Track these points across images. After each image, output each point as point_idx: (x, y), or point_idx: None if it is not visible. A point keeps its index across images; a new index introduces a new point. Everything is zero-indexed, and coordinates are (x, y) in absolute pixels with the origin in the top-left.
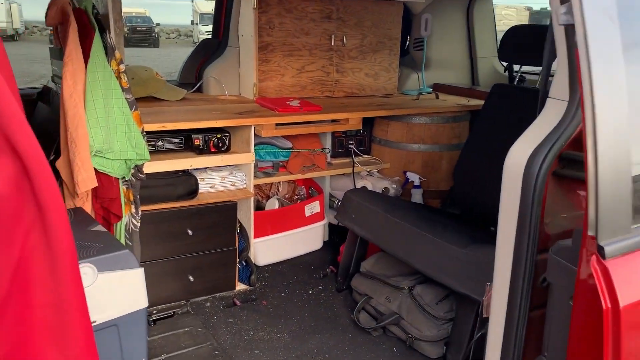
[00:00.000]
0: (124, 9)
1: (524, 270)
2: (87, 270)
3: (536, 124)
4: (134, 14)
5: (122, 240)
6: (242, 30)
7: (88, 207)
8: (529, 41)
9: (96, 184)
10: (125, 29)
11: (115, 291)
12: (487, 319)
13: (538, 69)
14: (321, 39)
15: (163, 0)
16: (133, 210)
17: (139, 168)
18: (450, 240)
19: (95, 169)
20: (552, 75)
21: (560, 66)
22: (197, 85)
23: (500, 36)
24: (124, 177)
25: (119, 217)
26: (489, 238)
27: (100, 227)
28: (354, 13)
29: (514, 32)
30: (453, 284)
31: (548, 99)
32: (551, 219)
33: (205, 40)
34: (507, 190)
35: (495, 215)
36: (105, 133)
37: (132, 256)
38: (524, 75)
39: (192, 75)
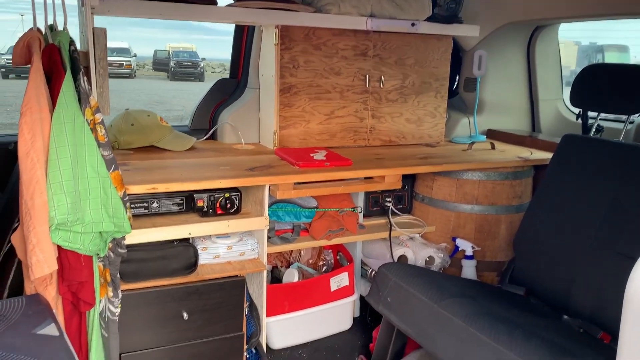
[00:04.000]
0: (172, 45)
1: None
2: None
3: None
4: (181, 49)
5: (96, 332)
6: (263, 70)
7: (52, 292)
8: (611, 84)
9: (55, 268)
10: (172, 64)
11: None
12: None
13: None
14: (354, 80)
15: (210, 36)
16: (110, 293)
17: (118, 241)
18: (520, 352)
19: (59, 246)
20: None
21: None
22: (211, 132)
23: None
24: (99, 254)
25: (91, 305)
26: (574, 347)
27: (52, 328)
28: (394, 50)
29: (591, 73)
30: None
31: None
32: None
33: (222, 80)
34: (633, 330)
35: (568, 300)
36: (73, 201)
37: None
38: (601, 125)
39: (206, 121)
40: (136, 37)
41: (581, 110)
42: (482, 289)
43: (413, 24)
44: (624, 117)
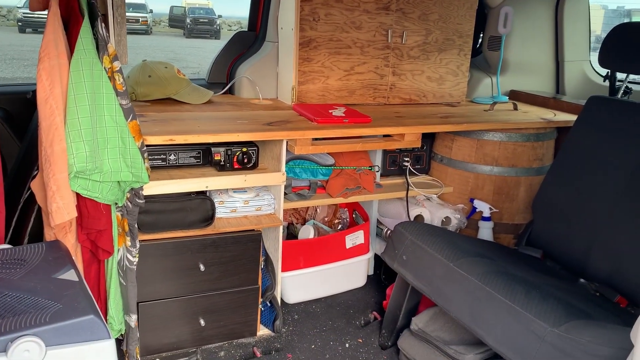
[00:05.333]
0: (189, 1)
1: None
2: (30, 346)
3: None
4: (197, 6)
5: (114, 280)
6: (282, 23)
7: (71, 239)
8: None
9: (74, 215)
10: (188, 20)
11: None
12: None
13: None
14: (376, 35)
15: None
16: (128, 243)
17: (136, 192)
18: (536, 312)
19: (78, 194)
20: None
21: None
22: (228, 85)
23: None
24: (117, 203)
25: (109, 253)
26: (590, 309)
27: (71, 274)
28: (418, 4)
29: (621, 32)
30: None
31: None
32: None
33: (240, 33)
34: None
35: (585, 263)
36: (91, 149)
37: (100, 323)
38: (630, 87)
39: (223, 74)
40: None
41: (609, 71)
42: (499, 250)
43: None
44: None
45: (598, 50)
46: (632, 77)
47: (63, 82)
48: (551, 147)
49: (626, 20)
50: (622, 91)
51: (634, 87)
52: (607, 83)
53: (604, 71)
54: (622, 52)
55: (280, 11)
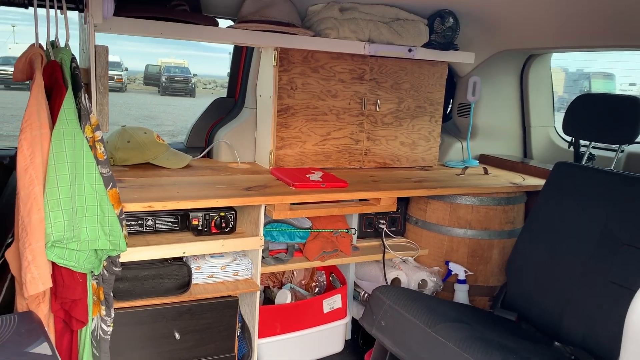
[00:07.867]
0: (164, 59)
1: None
2: None
3: None
4: (172, 64)
5: (87, 351)
6: (261, 90)
7: (44, 310)
8: (602, 113)
9: (49, 285)
10: (163, 79)
11: None
12: None
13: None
14: (351, 103)
15: (202, 52)
16: (103, 312)
17: (112, 260)
18: None
19: (54, 263)
20: None
21: None
22: (207, 150)
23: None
24: (93, 272)
25: (83, 323)
26: None
27: (44, 347)
28: (390, 74)
29: (583, 102)
30: None
31: None
32: None
33: (219, 99)
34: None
35: (559, 326)
36: (69, 218)
37: None
38: (593, 153)
39: (202, 139)
40: (127, 50)
41: (573, 138)
42: (476, 313)
43: (410, 50)
44: (615, 145)
45: (561, 111)
46: (594, 142)
47: (44, 152)
48: (522, 211)
49: (586, 82)
50: (586, 157)
51: (596, 152)
52: (572, 149)
53: (568, 136)
54: (584, 122)
55: (259, 80)
